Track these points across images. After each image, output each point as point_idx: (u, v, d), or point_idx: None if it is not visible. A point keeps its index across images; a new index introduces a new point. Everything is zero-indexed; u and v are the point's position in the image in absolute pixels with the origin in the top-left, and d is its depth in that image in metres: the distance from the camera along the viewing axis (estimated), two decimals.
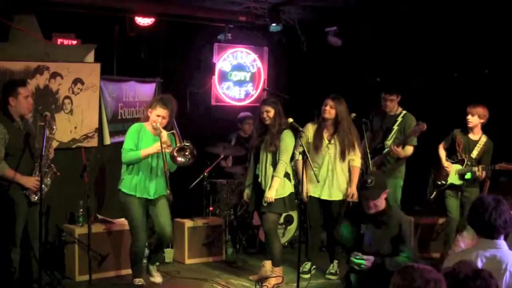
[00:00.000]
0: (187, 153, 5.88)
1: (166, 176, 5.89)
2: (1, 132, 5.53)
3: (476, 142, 6.98)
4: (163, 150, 5.78)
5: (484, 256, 3.51)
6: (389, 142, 7.12)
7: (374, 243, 5.07)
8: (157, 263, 6.53)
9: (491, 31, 7.39)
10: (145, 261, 6.44)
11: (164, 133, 5.84)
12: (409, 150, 7.08)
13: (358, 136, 6.72)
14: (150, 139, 5.97)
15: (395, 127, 7.13)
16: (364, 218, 5.15)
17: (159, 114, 5.89)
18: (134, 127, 6.05)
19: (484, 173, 6.84)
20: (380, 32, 8.21)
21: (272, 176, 6.39)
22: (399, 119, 7.16)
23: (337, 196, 6.72)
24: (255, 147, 6.62)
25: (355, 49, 8.55)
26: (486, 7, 7.07)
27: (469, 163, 6.95)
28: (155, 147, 5.85)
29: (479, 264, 3.48)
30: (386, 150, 7.08)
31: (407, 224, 5.19)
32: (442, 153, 7.14)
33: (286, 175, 6.49)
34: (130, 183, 5.97)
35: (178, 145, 5.91)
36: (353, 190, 6.66)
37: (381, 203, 5.10)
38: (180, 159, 5.87)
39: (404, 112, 7.20)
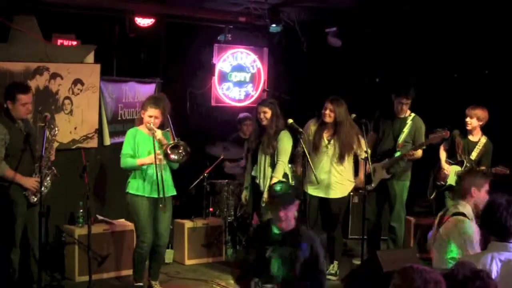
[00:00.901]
0: (180, 151, 5.92)
1: (162, 182, 5.91)
2: (2, 132, 5.54)
3: (475, 143, 6.98)
4: (158, 162, 5.83)
5: (499, 259, 3.51)
6: (400, 145, 7.08)
7: (283, 268, 4.42)
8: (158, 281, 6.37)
9: (491, 31, 7.39)
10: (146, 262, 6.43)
11: (158, 132, 5.88)
12: (420, 152, 7.05)
13: (359, 134, 6.66)
14: (146, 140, 5.98)
15: (405, 130, 7.08)
16: (270, 240, 4.49)
17: (151, 115, 5.92)
18: (130, 132, 6.09)
19: None
20: (380, 32, 8.21)
21: (271, 177, 6.39)
22: (409, 122, 7.10)
23: (334, 194, 6.72)
24: (252, 149, 6.61)
25: (355, 49, 8.55)
26: (486, 7, 7.07)
27: (468, 164, 6.94)
28: (150, 158, 5.89)
29: (494, 268, 3.47)
30: (399, 154, 7.04)
31: (319, 245, 4.59)
32: (443, 154, 7.14)
33: (285, 175, 6.48)
34: (137, 184, 5.99)
35: (170, 142, 5.93)
36: (361, 178, 6.72)
37: (291, 218, 4.48)
38: (173, 156, 5.91)
39: (412, 114, 7.14)
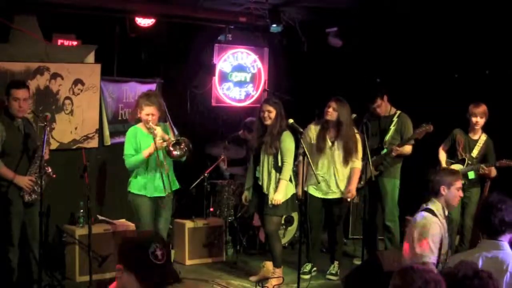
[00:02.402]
0: (182, 146, 5.93)
1: (162, 175, 5.93)
2: None
3: (476, 141, 6.99)
4: (158, 147, 5.85)
5: (485, 256, 3.52)
6: (387, 142, 7.10)
7: None
8: None
9: (491, 31, 7.38)
10: None
11: (158, 130, 5.90)
12: (408, 148, 7.07)
13: (358, 139, 6.70)
14: (147, 138, 6.01)
15: (392, 127, 7.13)
16: None
17: (148, 113, 5.95)
18: (130, 132, 6.11)
19: (492, 170, 6.81)
20: (380, 32, 8.20)
21: (278, 179, 6.36)
22: (395, 119, 7.16)
23: (335, 195, 6.73)
24: (255, 149, 6.59)
25: (355, 49, 8.55)
26: (486, 7, 7.07)
27: (469, 162, 6.94)
28: (152, 146, 5.91)
29: (479, 264, 3.49)
30: (385, 151, 7.08)
31: None
32: (442, 156, 7.13)
33: None
34: (139, 183, 6.00)
35: (172, 139, 5.94)
36: (352, 188, 6.68)
37: None
38: (176, 152, 5.93)
39: (398, 112, 7.20)
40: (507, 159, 6.76)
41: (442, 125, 7.00)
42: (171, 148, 5.89)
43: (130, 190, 6.06)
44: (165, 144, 5.89)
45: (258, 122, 6.57)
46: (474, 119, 6.88)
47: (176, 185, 6.20)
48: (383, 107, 7.19)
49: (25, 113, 5.86)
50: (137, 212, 6.05)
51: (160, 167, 5.97)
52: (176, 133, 6.02)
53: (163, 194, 6.05)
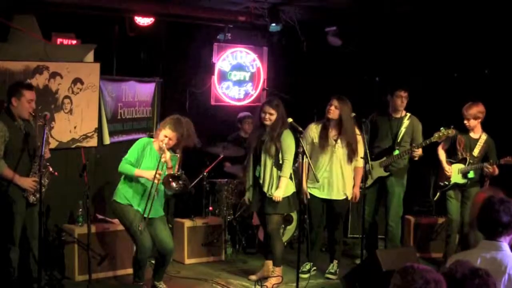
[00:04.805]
0: (180, 182, 5.86)
1: (149, 198, 5.84)
2: (2, 130, 5.55)
3: (476, 140, 6.99)
4: (156, 181, 5.76)
5: (483, 256, 3.51)
6: (400, 144, 7.09)
7: None
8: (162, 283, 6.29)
9: (491, 31, 7.39)
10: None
11: (167, 154, 5.80)
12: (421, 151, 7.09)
13: (359, 139, 6.70)
14: (153, 157, 5.92)
15: (403, 129, 7.12)
16: None
17: (166, 135, 5.84)
18: (142, 141, 6.01)
19: (496, 169, 6.82)
20: (380, 32, 8.21)
21: (278, 177, 6.37)
22: (405, 121, 7.13)
23: (338, 195, 6.73)
24: (254, 149, 6.58)
25: (354, 49, 8.55)
26: (486, 7, 7.08)
27: (471, 161, 6.95)
28: (150, 174, 5.80)
29: (477, 265, 3.48)
30: (397, 152, 7.06)
31: None
32: (442, 155, 7.13)
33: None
34: (125, 195, 5.94)
35: (173, 172, 5.88)
36: (356, 191, 6.71)
37: None
38: (173, 184, 5.82)
39: (408, 114, 7.18)
40: (511, 156, 6.77)
41: (441, 124, 6.99)
42: (170, 179, 5.83)
43: (116, 199, 5.96)
44: (168, 171, 5.81)
45: (258, 122, 6.56)
46: (465, 121, 6.91)
47: (161, 212, 6.07)
48: (405, 103, 7.15)
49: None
50: (126, 219, 5.92)
51: (149, 190, 5.88)
52: (180, 172, 5.95)
53: (145, 216, 5.92)
